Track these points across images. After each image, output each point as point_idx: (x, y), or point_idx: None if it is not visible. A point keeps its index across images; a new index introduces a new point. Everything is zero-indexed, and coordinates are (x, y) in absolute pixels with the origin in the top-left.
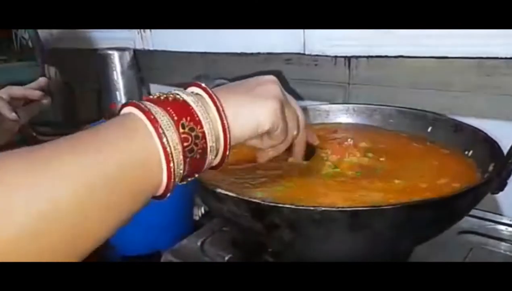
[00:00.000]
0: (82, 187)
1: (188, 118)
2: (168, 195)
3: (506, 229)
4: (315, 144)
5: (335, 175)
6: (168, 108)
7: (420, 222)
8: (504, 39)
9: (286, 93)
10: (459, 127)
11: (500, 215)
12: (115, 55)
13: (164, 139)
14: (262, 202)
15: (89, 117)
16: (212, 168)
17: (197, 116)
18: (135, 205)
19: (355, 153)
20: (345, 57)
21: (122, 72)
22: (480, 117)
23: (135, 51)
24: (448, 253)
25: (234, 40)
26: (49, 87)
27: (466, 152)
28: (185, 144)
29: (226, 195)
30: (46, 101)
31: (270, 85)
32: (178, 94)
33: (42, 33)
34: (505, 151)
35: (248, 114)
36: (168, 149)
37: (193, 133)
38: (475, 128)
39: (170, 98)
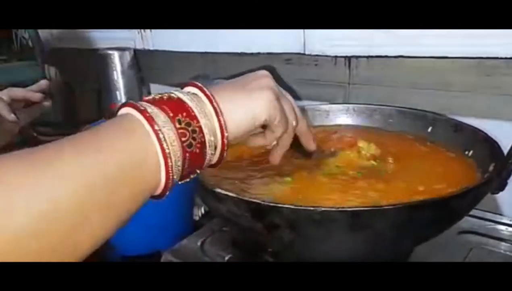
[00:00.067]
0: (82, 187)
1: (184, 114)
2: (167, 193)
3: (506, 229)
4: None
5: (334, 174)
6: (164, 106)
7: (420, 222)
8: (504, 39)
9: (279, 87)
10: (459, 127)
11: (500, 215)
12: (115, 55)
13: (161, 136)
14: (262, 202)
15: (89, 117)
16: (211, 166)
17: (193, 111)
18: (134, 204)
19: (356, 154)
20: (345, 57)
21: (122, 72)
22: (480, 117)
23: (135, 51)
24: (448, 253)
25: (234, 40)
26: (50, 90)
27: (466, 152)
28: (183, 139)
29: (226, 195)
30: (47, 103)
31: (263, 78)
32: (173, 93)
33: (42, 33)
34: (505, 151)
35: (243, 108)
36: (165, 145)
37: (190, 128)
38: (475, 128)
39: (165, 98)
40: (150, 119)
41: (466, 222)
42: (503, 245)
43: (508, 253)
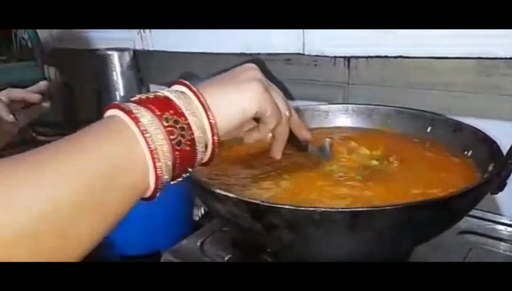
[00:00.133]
0: (82, 187)
1: (171, 111)
2: (158, 194)
3: (506, 229)
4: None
5: (332, 174)
6: (150, 105)
7: (420, 222)
8: (504, 39)
9: (267, 79)
10: (459, 127)
11: (500, 215)
12: (115, 56)
13: (147, 135)
14: (262, 203)
15: (89, 118)
16: (204, 164)
17: (180, 109)
18: (125, 207)
19: (355, 154)
20: (344, 57)
21: (122, 73)
22: (480, 117)
23: (135, 51)
24: (448, 253)
25: (234, 40)
26: (49, 91)
27: (466, 152)
28: (172, 137)
29: (226, 195)
30: (46, 104)
31: (250, 71)
32: (159, 92)
33: (42, 33)
34: (505, 151)
35: (232, 102)
36: (152, 145)
37: (178, 126)
38: (475, 128)
39: (152, 97)
40: (136, 120)
41: (466, 222)
42: (503, 245)
43: (507, 253)
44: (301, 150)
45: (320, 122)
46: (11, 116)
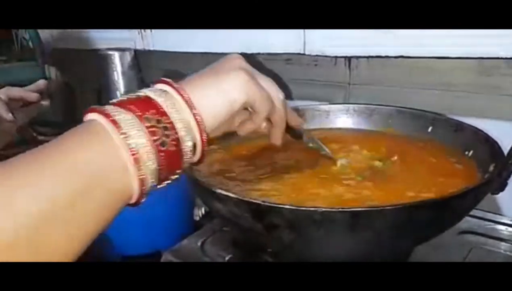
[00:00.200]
0: (58, 197)
1: (153, 111)
2: (143, 199)
3: (506, 229)
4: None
5: (331, 174)
6: (130, 106)
7: (420, 222)
8: (504, 39)
9: (253, 68)
10: (460, 127)
11: (500, 215)
12: (116, 56)
13: (127, 137)
14: (262, 203)
15: None
16: (195, 163)
17: (161, 107)
18: (110, 212)
19: (355, 155)
20: (345, 57)
21: (123, 73)
22: (481, 117)
23: (136, 51)
24: (448, 253)
25: (234, 40)
26: (48, 90)
27: (467, 152)
28: (155, 138)
29: (227, 195)
30: (45, 103)
31: (234, 60)
32: (140, 92)
33: (43, 33)
34: (506, 151)
35: (217, 94)
36: (134, 147)
37: (160, 125)
38: (476, 128)
39: (132, 98)
40: (114, 123)
41: (466, 222)
42: (503, 245)
43: (508, 253)
44: (296, 138)
45: (320, 123)
46: (10, 114)
